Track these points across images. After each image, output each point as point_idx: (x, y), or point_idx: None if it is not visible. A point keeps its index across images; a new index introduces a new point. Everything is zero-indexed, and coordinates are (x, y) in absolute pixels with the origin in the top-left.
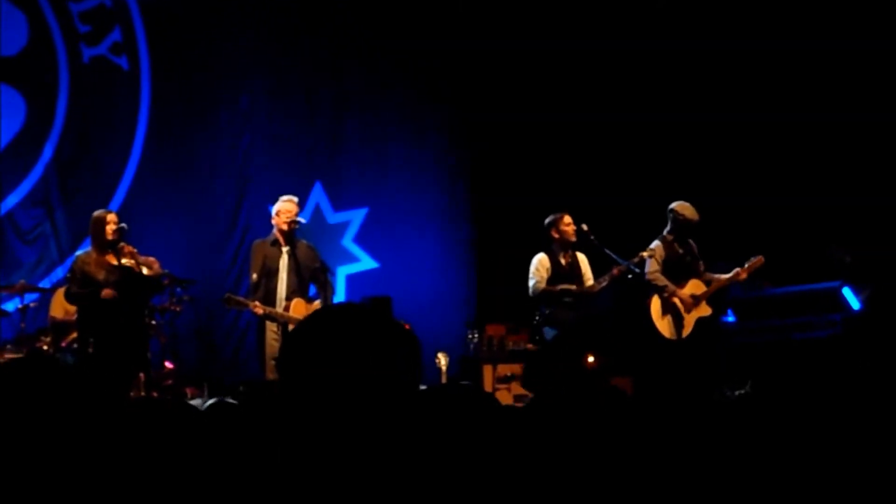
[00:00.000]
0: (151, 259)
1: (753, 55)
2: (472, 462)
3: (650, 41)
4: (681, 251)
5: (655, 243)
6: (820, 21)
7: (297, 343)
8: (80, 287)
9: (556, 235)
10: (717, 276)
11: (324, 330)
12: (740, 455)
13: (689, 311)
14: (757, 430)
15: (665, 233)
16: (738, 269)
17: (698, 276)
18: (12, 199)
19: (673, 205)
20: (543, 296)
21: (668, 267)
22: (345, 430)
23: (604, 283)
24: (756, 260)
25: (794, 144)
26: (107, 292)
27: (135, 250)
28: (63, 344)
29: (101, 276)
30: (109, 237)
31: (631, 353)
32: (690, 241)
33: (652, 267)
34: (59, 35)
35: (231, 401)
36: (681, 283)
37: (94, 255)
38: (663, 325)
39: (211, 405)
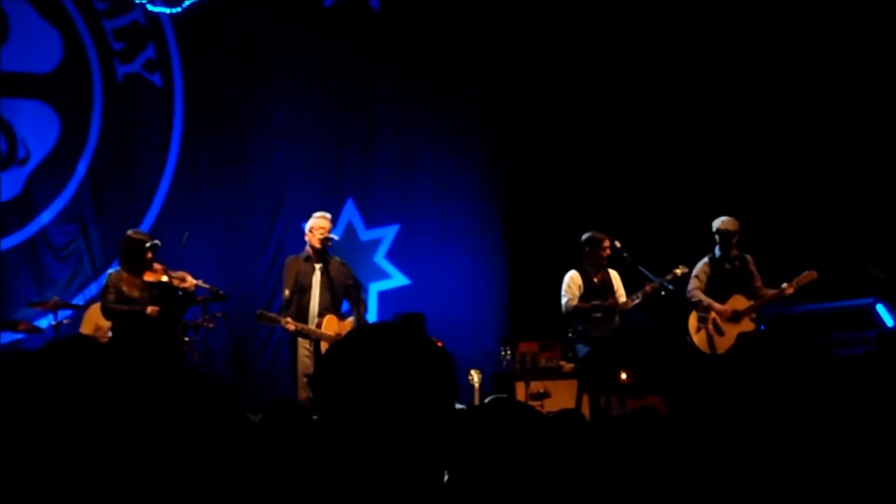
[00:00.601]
0: (182, 273)
1: (795, 55)
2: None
3: (697, 41)
4: (729, 267)
5: (703, 261)
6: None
7: (332, 363)
8: (117, 304)
9: (590, 255)
10: (766, 291)
11: (359, 350)
12: (758, 464)
13: (726, 326)
14: (773, 442)
15: (714, 251)
16: (784, 285)
17: (748, 291)
18: (46, 216)
19: (716, 221)
20: (575, 313)
21: (715, 283)
22: (380, 449)
23: (636, 301)
24: (806, 275)
25: (831, 157)
26: (152, 310)
27: (164, 267)
28: None
29: (136, 294)
30: (149, 257)
31: (664, 371)
32: (747, 258)
33: (692, 284)
34: (93, 52)
35: (253, 418)
36: (726, 298)
37: (124, 275)
38: (700, 341)
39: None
